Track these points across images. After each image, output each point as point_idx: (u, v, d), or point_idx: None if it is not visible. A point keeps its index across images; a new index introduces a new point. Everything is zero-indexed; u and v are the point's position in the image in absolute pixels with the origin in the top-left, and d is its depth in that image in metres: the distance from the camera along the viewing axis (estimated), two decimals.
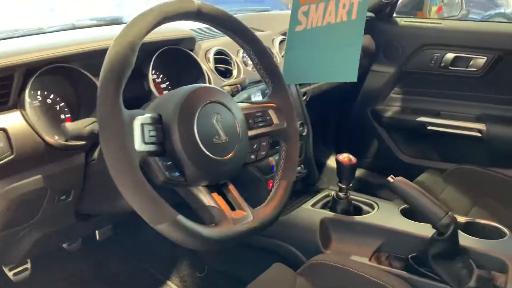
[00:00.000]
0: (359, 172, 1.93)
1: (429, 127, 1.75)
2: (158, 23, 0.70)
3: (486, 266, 0.92)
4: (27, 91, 0.77)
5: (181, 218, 0.67)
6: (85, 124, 0.70)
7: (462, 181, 1.54)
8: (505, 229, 1.01)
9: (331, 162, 1.93)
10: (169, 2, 0.73)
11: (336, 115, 1.98)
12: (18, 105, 0.78)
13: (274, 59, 1.29)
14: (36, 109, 0.83)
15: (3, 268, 1.06)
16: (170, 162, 0.72)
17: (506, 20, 3.71)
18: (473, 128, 1.67)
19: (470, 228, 1.03)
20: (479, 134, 1.66)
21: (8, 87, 0.76)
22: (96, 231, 1.24)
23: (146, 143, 0.67)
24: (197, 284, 1.35)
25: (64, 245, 1.19)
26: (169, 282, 1.39)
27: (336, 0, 1.02)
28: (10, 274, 1.07)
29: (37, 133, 0.77)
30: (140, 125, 0.67)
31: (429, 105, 1.77)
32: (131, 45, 0.66)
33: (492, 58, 1.60)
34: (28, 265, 1.09)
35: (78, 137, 0.70)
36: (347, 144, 2.00)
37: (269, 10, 1.77)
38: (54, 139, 0.81)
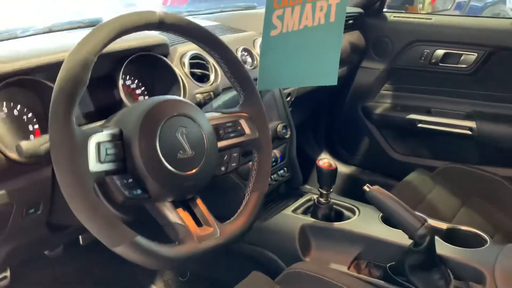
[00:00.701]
0: (349, 169, 1.91)
1: (419, 125, 1.72)
2: (115, 37, 0.68)
3: (464, 277, 0.90)
4: None
5: (139, 239, 0.65)
6: (41, 143, 0.68)
7: (451, 180, 1.52)
8: (486, 237, 0.99)
9: None
10: (128, 13, 0.71)
11: (326, 113, 1.95)
12: None
13: (254, 62, 1.27)
14: (1, 122, 0.81)
15: None
16: (131, 180, 0.70)
17: (503, 10, 3.64)
18: (464, 125, 1.64)
19: (451, 235, 1.01)
20: (469, 132, 1.63)
21: None
22: (80, 236, 1.23)
23: (102, 162, 0.66)
24: None
25: (45, 252, 1.19)
26: (153, 286, 1.38)
27: (312, 2, 0.99)
28: None
29: None
30: (95, 144, 0.65)
31: (419, 102, 1.74)
32: (84, 62, 0.64)
33: (483, 54, 1.57)
34: (8, 273, 1.08)
35: (33, 156, 0.68)
36: (338, 141, 1.97)
37: (255, 7, 1.73)
38: (15, 156, 0.79)
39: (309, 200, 1.22)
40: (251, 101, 0.88)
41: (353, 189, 1.24)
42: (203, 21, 1.42)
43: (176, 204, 0.74)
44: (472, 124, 1.62)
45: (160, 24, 0.73)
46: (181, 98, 0.81)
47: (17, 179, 0.80)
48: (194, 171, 0.74)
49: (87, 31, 1.25)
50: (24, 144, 0.67)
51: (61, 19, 1.27)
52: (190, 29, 0.78)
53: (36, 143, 0.68)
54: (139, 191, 0.71)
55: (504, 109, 1.59)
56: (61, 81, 0.62)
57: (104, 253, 1.47)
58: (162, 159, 0.70)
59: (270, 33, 0.98)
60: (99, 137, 0.66)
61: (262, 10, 1.63)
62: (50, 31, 1.17)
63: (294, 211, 1.17)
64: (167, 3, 4.36)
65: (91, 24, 1.27)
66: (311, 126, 1.92)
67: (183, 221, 0.73)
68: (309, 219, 1.11)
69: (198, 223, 0.75)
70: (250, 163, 1.18)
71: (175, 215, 0.73)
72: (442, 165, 1.59)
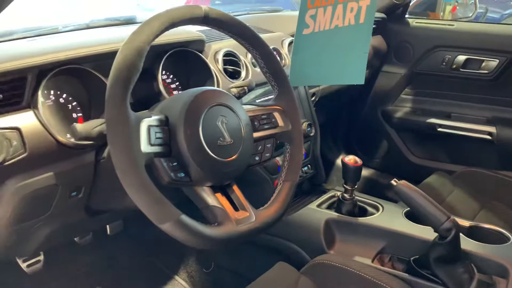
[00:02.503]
0: (368, 172, 1.94)
1: (439, 129, 1.74)
2: (166, 29, 0.73)
3: (488, 271, 0.93)
4: (40, 92, 0.80)
5: (184, 217, 0.69)
6: (94, 125, 0.73)
7: (471, 184, 1.54)
8: (508, 234, 1.01)
9: (340, 161, 1.94)
10: (176, 7, 0.75)
11: (347, 115, 1.99)
12: (31, 105, 0.81)
13: (283, 61, 1.32)
14: (49, 109, 0.86)
15: (17, 260, 1.10)
16: (176, 163, 0.74)
17: None
18: (484, 130, 1.66)
19: (473, 232, 1.03)
20: (489, 137, 1.65)
21: (21, 88, 0.79)
22: (107, 226, 1.28)
23: (152, 145, 0.70)
24: (203, 279, 1.38)
25: (76, 239, 1.23)
26: (176, 277, 1.42)
27: (343, 3, 1.03)
28: (23, 265, 1.11)
29: (49, 132, 0.80)
30: (146, 127, 0.69)
31: (439, 107, 1.77)
32: (138, 51, 0.68)
33: (504, 61, 1.59)
34: (41, 257, 1.13)
35: (87, 138, 0.73)
36: (357, 144, 2.00)
37: (280, 10, 1.78)
38: (66, 138, 0.84)
39: (333, 196, 1.25)
40: (285, 95, 0.92)
41: (372, 191, 1.27)
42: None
43: (214, 189, 0.78)
44: (492, 129, 1.65)
45: (205, 18, 0.78)
46: (221, 89, 0.85)
47: (63, 162, 0.85)
48: (232, 158, 0.78)
49: (123, 27, 1.30)
50: (79, 126, 0.72)
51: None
52: (233, 25, 0.82)
53: (89, 125, 0.72)
54: (182, 174, 0.74)
55: None
56: (118, 67, 0.66)
57: (130, 245, 1.52)
58: (205, 145, 0.74)
59: (303, 32, 1.02)
60: (149, 121, 0.70)
61: (288, 13, 1.69)
62: (88, 27, 1.22)
63: (318, 206, 1.20)
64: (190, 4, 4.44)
65: (127, 21, 1.33)
66: (331, 127, 1.95)
67: (222, 204, 0.77)
68: (333, 214, 1.15)
69: (235, 208, 0.79)
70: (277, 158, 1.22)
71: (213, 199, 0.77)
72: (460, 169, 1.61)
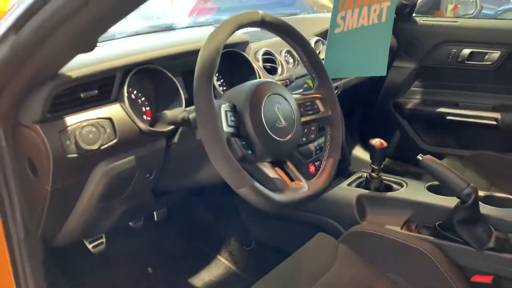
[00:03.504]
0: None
1: (448, 117, 1.90)
2: (234, 31, 0.88)
3: (503, 230, 1.08)
4: (125, 87, 0.96)
5: (257, 184, 0.84)
6: (179, 112, 0.88)
7: (480, 166, 1.70)
8: None
9: (356, 151, 2.10)
10: (239, 14, 0.91)
11: (362, 108, 2.14)
12: (118, 99, 0.96)
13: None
14: (129, 102, 1.01)
15: (84, 242, 1.25)
16: (244, 142, 0.89)
17: None
18: (489, 117, 1.81)
19: (489, 200, 1.19)
20: (495, 123, 1.81)
21: (111, 84, 0.94)
22: (154, 213, 1.43)
23: (229, 126, 0.85)
24: (244, 257, 1.53)
25: (130, 223, 1.38)
26: (219, 257, 1.57)
27: (368, 5, 1.19)
28: (90, 246, 1.26)
29: (134, 121, 0.96)
30: (224, 112, 0.85)
31: (447, 97, 1.92)
32: (217, 49, 0.84)
33: (505, 52, 1.75)
34: (104, 239, 1.28)
35: (173, 123, 0.88)
36: (372, 134, 2.14)
37: (298, 13, 1.93)
38: (144, 126, 0.99)
39: (360, 177, 1.40)
40: (324, 85, 1.07)
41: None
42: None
43: (273, 165, 0.93)
44: (497, 115, 1.80)
45: (262, 22, 0.94)
46: (274, 81, 1.00)
47: (141, 147, 1.01)
48: (287, 138, 0.93)
49: (166, 33, 1.45)
50: (168, 112, 0.87)
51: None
52: (284, 26, 0.98)
53: (175, 112, 0.88)
54: (250, 151, 0.89)
55: None
56: (203, 63, 0.82)
57: (174, 230, 1.67)
58: (266, 127, 0.89)
59: (335, 31, 1.18)
60: (225, 107, 0.85)
61: (305, 16, 1.85)
62: (137, 33, 1.38)
63: (349, 185, 1.35)
64: (193, 14, 4.60)
65: (167, 28, 1.49)
66: (349, 119, 2.10)
67: (281, 176, 0.92)
68: (363, 190, 1.30)
69: (291, 179, 0.94)
70: (310, 145, 1.38)
71: (274, 172, 0.92)
72: (469, 154, 1.77)
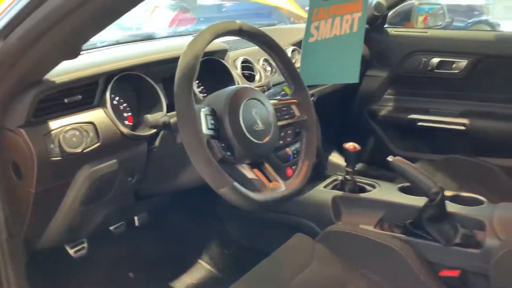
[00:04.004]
0: (358, 166, 2.16)
1: (419, 123, 1.98)
2: (213, 39, 0.93)
3: (469, 226, 1.14)
4: (108, 93, 0.99)
5: (237, 184, 0.88)
6: (160, 116, 0.92)
7: (450, 169, 1.78)
8: (483, 199, 1.24)
9: (333, 156, 2.16)
10: (218, 23, 0.96)
11: (338, 115, 2.21)
12: (101, 104, 0.99)
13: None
14: (112, 108, 1.05)
15: (66, 247, 1.26)
16: (223, 144, 0.94)
17: (485, 28, 3.99)
18: (458, 122, 1.91)
19: (456, 199, 1.25)
20: (463, 128, 1.90)
21: (94, 90, 0.98)
22: (135, 218, 1.45)
23: (209, 129, 0.89)
24: (225, 259, 1.56)
25: (111, 228, 1.40)
26: (199, 260, 1.60)
27: (340, 16, 1.26)
28: (71, 251, 1.27)
29: (116, 126, 0.99)
30: (204, 115, 0.89)
31: (418, 104, 2.01)
32: (196, 56, 0.88)
33: (472, 61, 1.85)
34: (85, 244, 1.30)
35: (155, 126, 0.92)
36: (347, 140, 2.21)
37: (275, 24, 2.00)
38: (126, 131, 1.02)
39: (335, 179, 1.46)
40: (299, 91, 1.13)
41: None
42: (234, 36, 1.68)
43: (252, 166, 0.98)
44: (465, 121, 1.89)
45: (240, 31, 0.99)
46: (251, 87, 1.05)
47: (124, 151, 1.04)
48: (265, 140, 0.98)
49: (147, 42, 1.49)
50: (149, 116, 0.91)
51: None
52: (260, 35, 1.03)
53: (157, 116, 0.92)
54: (229, 153, 0.94)
55: (492, 108, 1.87)
56: (183, 69, 0.86)
57: (155, 235, 1.69)
58: (244, 130, 0.94)
59: (309, 40, 1.24)
60: (205, 111, 0.90)
61: (282, 26, 1.91)
62: (118, 43, 1.41)
63: (325, 187, 1.41)
64: (173, 24, 4.64)
65: (148, 37, 1.53)
66: (325, 126, 2.16)
67: (259, 177, 0.97)
68: (339, 192, 1.35)
69: (269, 180, 0.99)
70: (287, 149, 1.43)
71: (252, 173, 0.97)
72: (440, 158, 1.85)
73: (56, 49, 0.74)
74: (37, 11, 0.69)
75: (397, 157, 1.18)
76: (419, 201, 1.19)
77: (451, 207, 1.18)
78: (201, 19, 4.86)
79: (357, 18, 1.27)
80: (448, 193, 1.29)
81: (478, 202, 1.23)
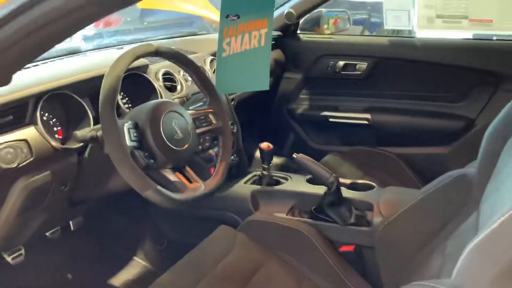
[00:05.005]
0: (280, 160, 2.37)
1: (330, 119, 2.23)
2: (133, 61, 1.07)
3: (361, 208, 1.38)
4: (38, 112, 1.09)
5: (159, 187, 1.03)
6: (88, 131, 1.04)
7: (356, 159, 2.04)
8: (374, 184, 1.48)
9: (257, 153, 2.36)
10: (137, 46, 1.10)
11: (260, 115, 2.41)
12: (31, 122, 1.09)
13: (208, 76, 1.69)
14: (42, 124, 1.15)
15: (3, 254, 1.34)
16: (147, 153, 1.08)
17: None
18: (363, 117, 2.17)
19: (352, 186, 1.49)
20: (367, 122, 2.17)
21: (25, 110, 1.08)
22: (70, 222, 1.55)
23: (132, 141, 1.03)
24: (159, 255, 1.70)
25: (47, 234, 1.49)
26: (135, 258, 1.72)
27: (249, 32, 1.43)
28: (9, 258, 1.35)
29: (47, 141, 1.10)
30: (127, 129, 1.03)
31: (329, 102, 2.25)
32: (118, 78, 1.02)
33: (371, 63, 2.11)
34: (22, 251, 1.38)
35: (83, 141, 1.04)
36: (270, 138, 2.42)
37: (197, 32, 2.15)
38: (57, 144, 1.13)
39: (255, 175, 1.65)
40: (214, 102, 1.29)
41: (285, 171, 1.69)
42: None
43: (174, 170, 1.13)
44: (368, 116, 2.16)
45: (156, 52, 1.13)
46: (171, 100, 1.20)
47: (56, 163, 1.15)
48: (184, 147, 1.14)
49: (72, 57, 1.59)
50: (78, 132, 1.03)
51: None
52: (175, 54, 1.19)
53: (85, 132, 1.04)
54: (152, 161, 1.08)
55: (389, 103, 2.15)
56: (106, 90, 0.99)
57: (91, 238, 1.79)
58: (165, 139, 1.09)
59: (222, 55, 1.40)
60: (128, 125, 1.04)
61: (205, 36, 2.07)
62: (44, 59, 1.49)
63: (245, 183, 1.59)
64: (99, 26, 4.61)
65: (73, 51, 1.62)
66: (249, 126, 2.35)
67: (180, 179, 1.12)
68: (256, 187, 1.54)
69: (189, 181, 1.15)
70: (211, 150, 1.59)
71: (174, 176, 1.12)
72: (349, 150, 2.11)
73: None
74: None
75: (300, 154, 1.38)
76: (321, 190, 1.41)
77: (347, 193, 1.41)
78: (128, 19, 4.86)
79: (264, 33, 1.44)
80: (346, 181, 1.53)
81: (369, 187, 1.47)
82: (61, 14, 0.64)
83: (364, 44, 2.20)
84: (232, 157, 1.70)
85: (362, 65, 2.14)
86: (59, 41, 0.80)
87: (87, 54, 1.57)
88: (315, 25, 2.43)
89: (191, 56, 1.72)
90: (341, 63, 2.17)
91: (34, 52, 0.80)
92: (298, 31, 2.31)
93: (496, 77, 1.92)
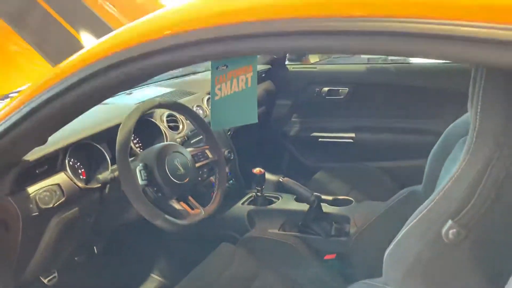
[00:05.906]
0: (276, 178, 2.61)
1: (320, 139, 2.48)
2: (141, 115, 1.33)
3: (340, 221, 1.61)
4: (66, 160, 1.35)
5: (166, 216, 1.28)
6: (108, 174, 1.30)
7: (344, 175, 2.27)
8: (351, 199, 1.72)
9: None
10: (143, 103, 1.36)
11: (256, 139, 2.66)
12: (62, 168, 1.35)
13: (205, 113, 1.95)
14: (70, 168, 1.40)
15: (41, 278, 1.59)
16: (156, 188, 1.33)
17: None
18: (348, 136, 2.42)
19: (334, 202, 1.72)
20: (352, 140, 2.41)
21: (56, 160, 1.34)
22: (94, 247, 1.80)
23: (143, 180, 1.29)
24: (172, 270, 1.94)
25: (76, 258, 1.74)
26: (151, 275, 1.96)
27: (237, 77, 1.69)
28: (45, 281, 1.61)
29: (74, 183, 1.35)
30: (139, 171, 1.28)
31: (318, 124, 2.50)
32: (129, 132, 1.27)
33: (351, 88, 2.36)
34: (56, 274, 1.63)
35: (104, 182, 1.30)
36: (267, 159, 2.68)
37: (197, 70, 2.42)
38: (84, 185, 1.39)
39: (251, 196, 1.89)
40: (210, 139, 1.55)
41: (279, 190, 1.92)
42: (162, 88, 2.08)
43: (178, 200, 1.38)
44: (353, 134, 2.41)
45: (159, 105, 1.40)
46: (173, 143, 1.46)
47: (82, 200, 1.40)
48: (186, 180, 1.39)
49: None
50: (100, 176, 1.29)
51: None
52: (174, 104, 1.45)
53: (105, 175, 1.30)
54: (160, 194, 1.33)
55: (371, 122, 2.39)
56: (120, 143, 1.25)
57: (110, 258, 2.03)
58: (170, 176, 1.34)
59: (215, 98, 1.66)
60: (139, 167, 1.29)
61: (199, 77, 2.33)
62: None
63: (242, 203, 1.84)
64: None
65: None
66: (247, 150, 2.60)
67: (184, 208, 1.37)
68: (252, 207, 1.79)
69: (192, 208, 1.40)
70: (211, 178, 1.84)
71: (179, 206, 1.37)
72: (338, 166, 2.34)
73: (31, 143, 1.11)
74: (14, 131, 1.03)
75: (285, 178, 1.63)
76: (307, 207, 1.65)
77: (328, 208, 1.65)
78: None
79: (249, 77, 1.69)
80: (328, 197, 1.76)
81: (348, 202, 1.71)
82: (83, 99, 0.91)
83: (344, 72, 2.46)
84: (231, 181, 1.96)
85: (344, 90, 2.39)
86: (82, 112, 1.06)
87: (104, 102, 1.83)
88: (301, 55, 2.70)
89: (190, 97, 2.01)
90: (326, 89, 2.42)
91: (67, 115, 1.06)
92: (287, 62, 2.57)
93: (461, 95, 2.15)
